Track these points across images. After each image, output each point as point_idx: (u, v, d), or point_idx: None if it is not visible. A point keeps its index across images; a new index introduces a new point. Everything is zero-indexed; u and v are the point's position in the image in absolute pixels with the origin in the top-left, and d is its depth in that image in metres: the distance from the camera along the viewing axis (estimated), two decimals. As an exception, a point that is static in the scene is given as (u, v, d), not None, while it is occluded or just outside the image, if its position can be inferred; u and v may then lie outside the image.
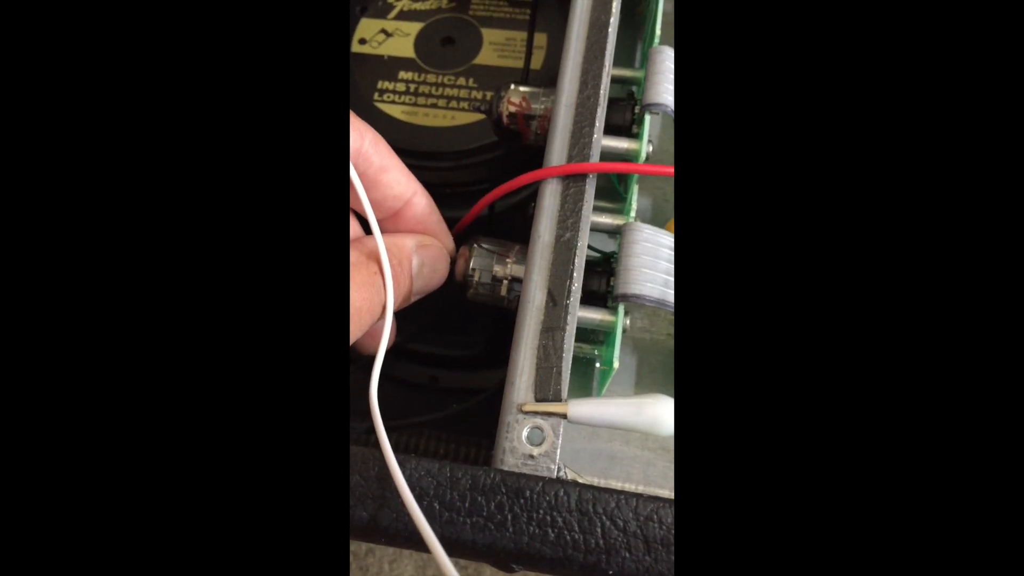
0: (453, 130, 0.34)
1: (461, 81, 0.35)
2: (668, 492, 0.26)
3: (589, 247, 0.27)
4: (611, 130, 0.27)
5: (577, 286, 0.22)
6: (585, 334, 0.25)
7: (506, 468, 0.19)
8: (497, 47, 0.36)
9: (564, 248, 0.22)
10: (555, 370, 0.21)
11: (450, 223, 0.28)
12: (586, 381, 0.27)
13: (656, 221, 0.28)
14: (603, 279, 0.24)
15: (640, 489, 0.26)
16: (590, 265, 0.25)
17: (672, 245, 0.23)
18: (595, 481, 0.26)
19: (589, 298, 0.24)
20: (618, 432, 0.28)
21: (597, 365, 0.25)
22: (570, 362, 0.21)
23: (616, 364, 0.22)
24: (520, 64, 0.35)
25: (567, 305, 0.21)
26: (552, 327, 0.21)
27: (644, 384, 0.28)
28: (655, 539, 0.18)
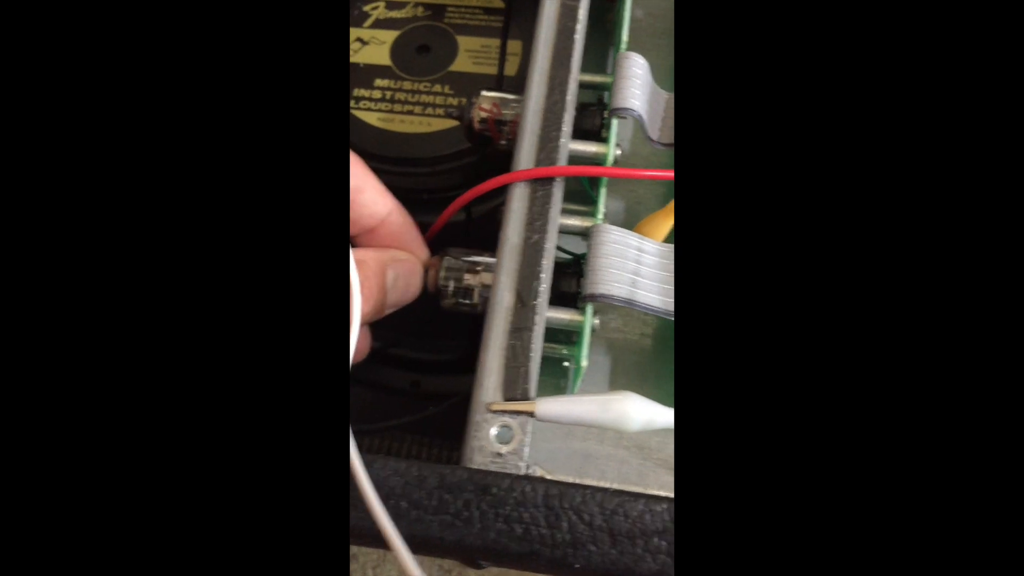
0: (429, 136, 0.34)
1: (437, 88, 0.36)
2: (641, 489, 0.26)
3: (560, 249, 0.28)
4: (582, 134, 0.28)
5: (545, 287, 0.22)
6: (557, 335, 0.25)
7: (474, 466, 0.20)
8: (473, 54, 0.36)
9: (532, 250, 0.22)
10: (523, 369, 0.21)
11: (427, 228, 0.29)
12: (560, 381, 0.27)
13: (628, 223, 0.28)
14: (573, 280, 0.24)
15: (615, 487, 0.27)
16: (561, 267, 0.25)
17: (639, 246, 0.24)
18: (569, 480, 0.27)
19: (560, 299, 0.24)
20: (593, 431, 0.28)
21: (565, 364, 0.26)
22: (539, 361, 0.21)
23: (584, 363, 0.22)
24: (496, 71, 0.35)
25: (535, 305, 0.22)
26: (520, 327, 0.21)
27: (618, 384, 0.28)
28: (621, 532, 0.18)
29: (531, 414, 0.20)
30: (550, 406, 0.20)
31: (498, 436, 0.20)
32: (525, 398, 0.21)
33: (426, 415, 0.29)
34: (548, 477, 0.21)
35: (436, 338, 0.35)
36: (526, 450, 0.20)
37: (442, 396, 0.33)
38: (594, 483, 0.27)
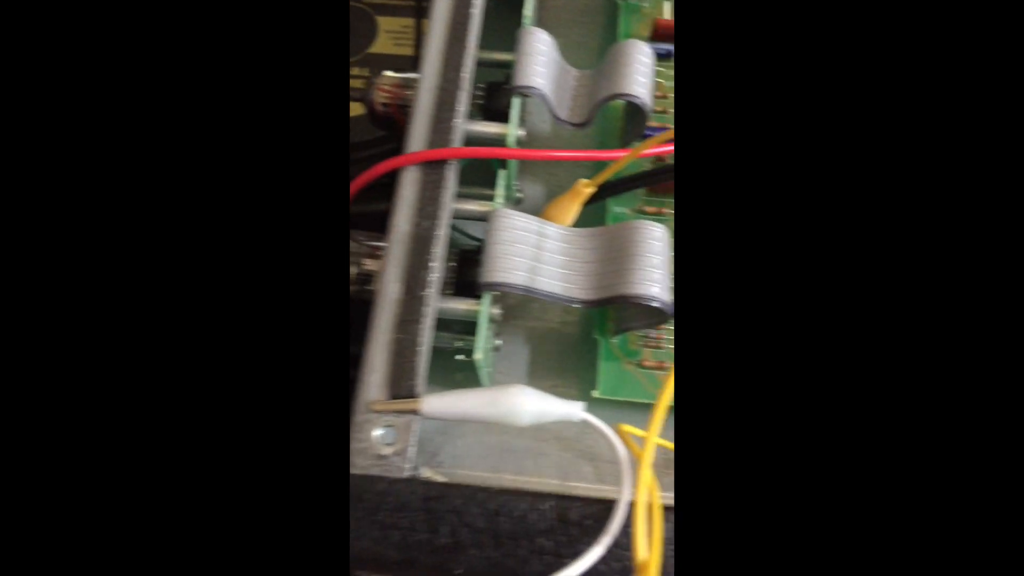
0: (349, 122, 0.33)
1: (356, 71, 0.34)
2: (558, 483, 0.25)
3: (468, 236, 0.26)
4: (492, 115, 0.27)
5: (435, 276, 0.21)
6: (465, 327, 0.24)
7: (356, 471, 0.19)
8: (393, 35, 0.35)
9: (422, 238, 0.21)
10: (410, 365, 0.20)
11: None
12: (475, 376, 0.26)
13: (549, 208, 0.27)
14: (479, 268, 0.23)
15: (532, 481, 0.26)
16: (468, 255, 0.24)
17: (540, 231, 0.23)
18: (486, 477, 0.26)
19: (468, 288, 0.23)
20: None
21: (459, 357, 0.25)
22: (427, 356, 0.20)
23: (478, 355, 0.21)
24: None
25: (424, 296, 0.20)
26: (408, 320, 0.20)
27: (538, 374, 0.27)
28: (504, 534, 0.17)
29: (416, 412, 0.19)
30: (436, 403, 0.19)
31: (382, 437, 0.19)
32: (411, 395, 0.19)
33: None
34: (436, 479, 0.20)
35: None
36: (411, 450, 0.19)
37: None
38: (511, 479, 0.26)
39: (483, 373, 0.23)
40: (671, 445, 0.24)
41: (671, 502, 0.25)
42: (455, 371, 0.26)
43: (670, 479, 0.25)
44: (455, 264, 0.24)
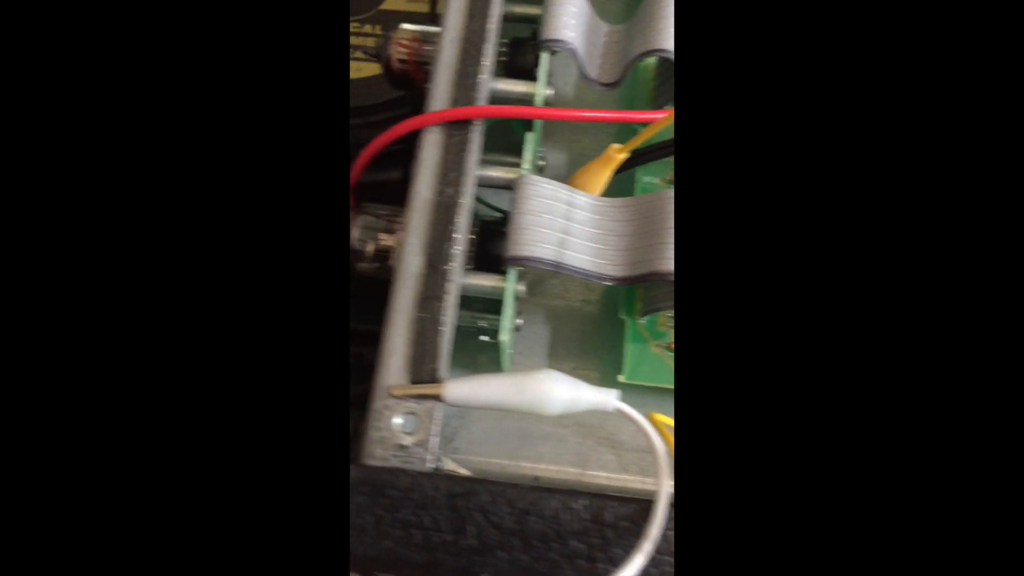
0: (360, 83, 0.31)
1: (368, 28, 0.32)
2: (578, 471, 0.24)
3: (489, 206, 0.25)
4: (516, 74, 0.25)
5: (459, 249, 0.19)
6: (488, 305, 0.23)
7: (374, 462, 0.17)
8: (406, -10, 0.33)
9: (445, 207, 0.19)
10: (432, 346, 0.18)
11: (361, 186, 0.26)
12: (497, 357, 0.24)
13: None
14: (503, 241, 0.21)
15: (552, 469, 0.24)
16: (491, 226, 0.22)
17: (569, 200, 0.21)
18: (504, 464, 0.24)
19: (489, 263, 0.21)
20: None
21: (483, 339, 0.23)
22: (451, 335, 0.18)
23: (504, 336, 0.19)
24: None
25: (446, 271, 0.19)
26: (430, 296, 0.18)
27: (558, 356, 0.26)
28: (534, 535, 0.16)
29: (438, 398, 0.17)
30: (459, 388, 0.17)
31: (402, 425, 0.17)
32: (433, 380, 0.18)
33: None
34: (458, 471, 0.18)
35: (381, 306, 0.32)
36: (434, 440, 0.17)
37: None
38: (530, 466, 0.24)
39: (507, 355, 0.21)
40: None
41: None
42: (476, 353, 0.25)
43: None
44: (476, 236, 0.22)
